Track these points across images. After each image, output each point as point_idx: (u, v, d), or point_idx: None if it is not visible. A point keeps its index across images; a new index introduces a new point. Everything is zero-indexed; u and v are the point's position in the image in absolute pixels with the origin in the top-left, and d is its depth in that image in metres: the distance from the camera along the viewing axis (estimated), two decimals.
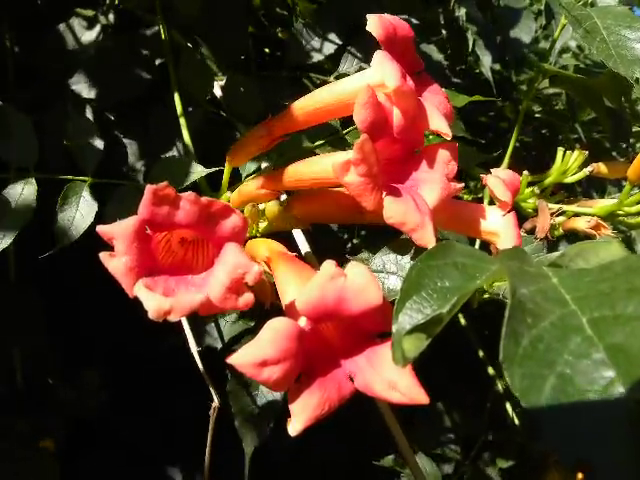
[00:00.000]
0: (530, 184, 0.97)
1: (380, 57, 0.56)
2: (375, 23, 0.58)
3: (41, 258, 1.04)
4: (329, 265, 0.51)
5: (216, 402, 0.87)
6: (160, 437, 1.12)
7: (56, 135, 0.84)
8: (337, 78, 1.20)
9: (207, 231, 0.52)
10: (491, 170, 0.71)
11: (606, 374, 0.29)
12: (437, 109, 0.59)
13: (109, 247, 0.52)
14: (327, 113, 0.67)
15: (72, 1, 1.05)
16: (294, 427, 0.55)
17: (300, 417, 0.55)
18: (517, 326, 0.30)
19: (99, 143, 0.83)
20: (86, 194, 0.78)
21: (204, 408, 0.87)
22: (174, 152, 0.97)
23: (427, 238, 0.54)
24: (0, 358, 1.01)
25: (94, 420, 1.07)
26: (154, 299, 0.49)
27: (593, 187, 1.43)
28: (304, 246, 0.92)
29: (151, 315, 0.48)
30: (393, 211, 0.53)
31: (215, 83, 1.08)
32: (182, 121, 0.94)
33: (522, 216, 0.88)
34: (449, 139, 0.57)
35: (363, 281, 0.51)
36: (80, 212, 0.76)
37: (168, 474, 1.11)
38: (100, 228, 0.52)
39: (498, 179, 0.68)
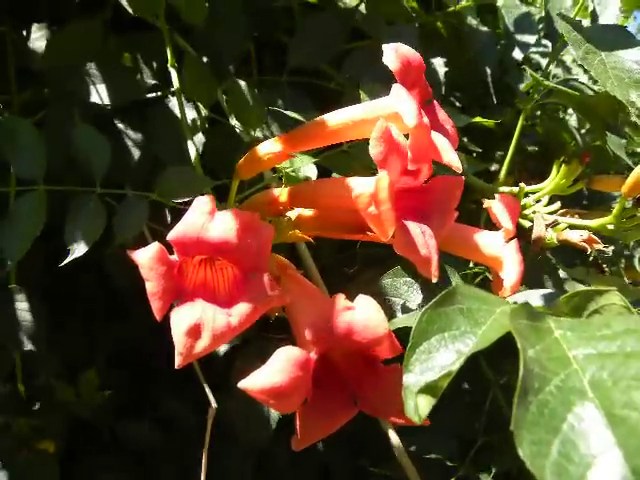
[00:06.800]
0: (527, 195, 0.98)
1: (398, 93, 0.57)
2: (392, 55, 0.59)
3: (42, 259, 1.04)
4: (339, 299, 0.54)
5: (213, 405, 0.88)
6: (160, 438, 1.13)
7: (60, 143, 0.84)
8: (338, 84, 1.20)
9: (237, 249, 0.53)
10: (495, 195, 0.72)
11: (606, 438, 0.30)
12: (447, 140, 0.61)
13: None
14: (341, 136, 0.69)
15: (75, 4, 1.04)
16: (298, 444, 0.59)
17: (305, 436, 0.59)
18: (526, 394, 0.32)
19: (106, 152, 0.82)
20: (95, 205, 0.77)
21: (204, 410, 0.88)
22: (178, 160, 0.96)
23: (431, 271, 0.56)
24: (0, 358, 1.02)
25: (94, 421, 1.08)
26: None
27: (597, 199, 1.44)
28: (306, 259, 0.93)
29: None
30: (403, 244, 0.55)
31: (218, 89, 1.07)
32: (186, 128, 0.94)
33: (517, 226, 0.90)
34: (460, 172, 0.59)
35: (370, 314, 0.54)
36: (90, 223, 0.75)
37: (168, 475, 1.12)
38: (129, 253, 0.54)
39: (502, 206, 0.70)
